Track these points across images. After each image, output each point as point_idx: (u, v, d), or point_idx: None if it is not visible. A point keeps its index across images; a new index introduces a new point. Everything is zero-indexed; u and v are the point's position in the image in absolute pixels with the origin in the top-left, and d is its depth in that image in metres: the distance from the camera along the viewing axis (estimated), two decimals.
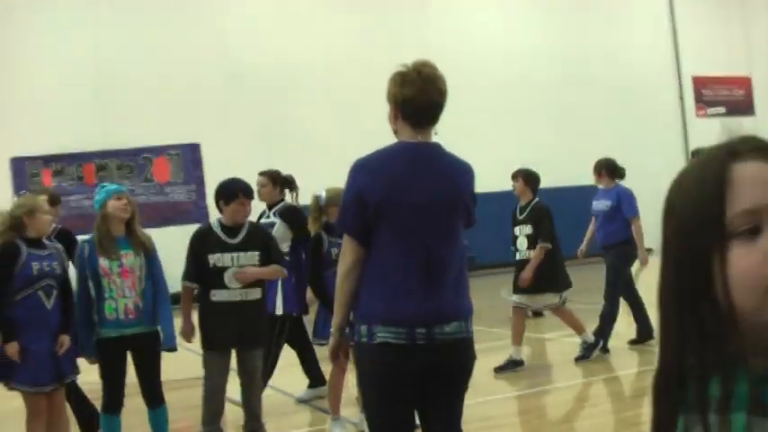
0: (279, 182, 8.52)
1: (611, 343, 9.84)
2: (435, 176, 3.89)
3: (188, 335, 6.35)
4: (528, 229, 9.37)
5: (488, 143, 23.44)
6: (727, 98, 29.99)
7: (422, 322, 3.74)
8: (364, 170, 3.90)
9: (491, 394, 8.35)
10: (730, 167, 1.21)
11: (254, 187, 7.34)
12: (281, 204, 8.39)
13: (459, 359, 3.90)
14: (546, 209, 9.39)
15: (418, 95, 3.87)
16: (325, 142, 21.79)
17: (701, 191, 1.22)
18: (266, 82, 22.71)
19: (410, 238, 3.81)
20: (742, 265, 1.16)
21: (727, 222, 1.18)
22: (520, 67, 25.64)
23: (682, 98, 29.05)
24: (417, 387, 3.83)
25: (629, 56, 27.33)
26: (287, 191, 8.66)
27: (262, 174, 8.54)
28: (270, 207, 8.39)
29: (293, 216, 8.23)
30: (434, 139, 4.02)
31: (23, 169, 21.39)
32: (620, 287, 9.89)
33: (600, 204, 10.08)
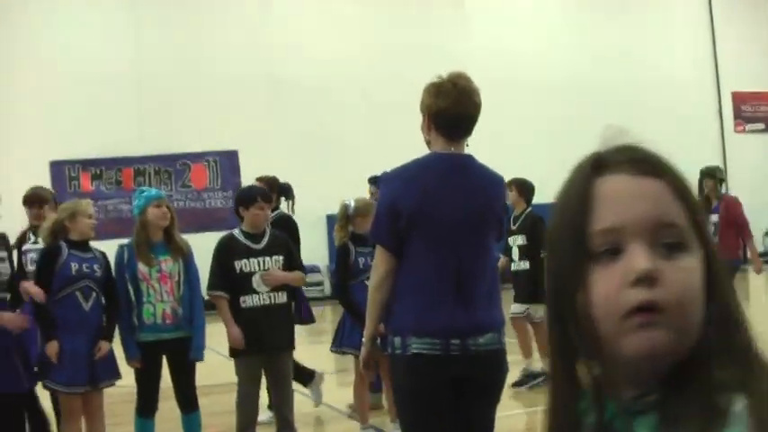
0: (275, 189, 8.41)
1: None
2: (468, 188, 3.90)
3: (238, 340, 6.21)
4: (521, 239, 9.27)
5: (524, 155, 23.33)
6: (766, 114, 29.66)
7: (456, 333, 3.74)
8: (397, 181, 3.93)
9: (518, 408, 8.33)
10: (595, 181, 1.12)
11: None
12: (276, 213, 8.15)
13: (493, 371, 3.90)
14: (540, 218, 9.29)
15: (452, 107, 3.88)
16: (364, 152, 21.81)
17: (566, 206, 1.14)
18: (306, 91, 22.79)
19: (442, 249, 3.82)
20: (600, 288, 1.07)
21: (588, 242, 1.09)
22: (554, 78, 25.47)
23: (720, 113, 28.79)
24: (452, 399, 3.83)
25: (667, 70, 27.13)
26: (282, 199, 8.59)
27: (259, 179, 8.45)
28: None
29: (286, 225, 7.96)
30: (466, 150, 4.03)
31: (63, 172, 21.60)
32: None
33: None
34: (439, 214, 3.82)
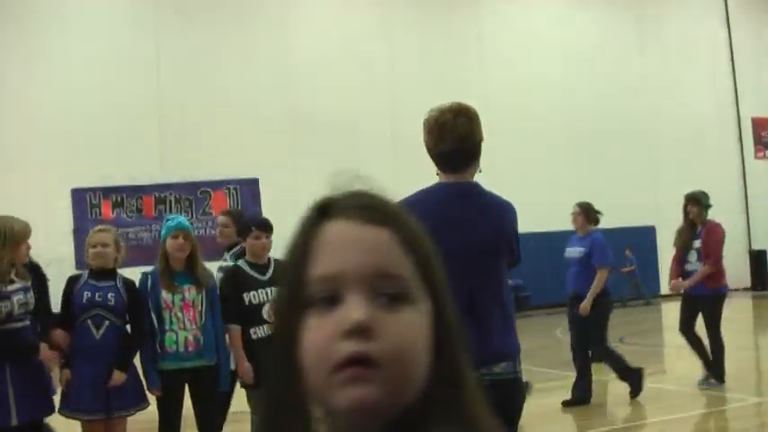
0: (238, 222, 7.98)
1: (663, 385, 9.71)
2: (475, 216, 3.89)
3: (250, 376, 6.27)
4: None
5: (544, 183, 23.34)
6: None
7: (472, 363, 3.71)
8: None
9: None
10: (320, 226, 1.08)
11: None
12: (239, 247, 7.58)
13: (509, 399, 3.85)
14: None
15: (436, 145, 3.92)
16: (385, 182, 21.82)
17: (290, 251, 1.09)
18: (326, 119, 22.84)
19: (453, 280, 3.79)
20: (312, 337, 1.01)
21: (306, 288, 1.03)
22: (578, 105, 25.50)
23: (741, 140, 28.68)
24: None
25: (687, 96, 27.09)
26: None
27: (224, 213, 8.40)
28: (229, 248, 7.80)
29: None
30: (477, 176, 4.03)
31: (84, 200, 21.71)
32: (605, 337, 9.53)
33: (574, 252, 9.65)
34: (444, 244, 3.80)
